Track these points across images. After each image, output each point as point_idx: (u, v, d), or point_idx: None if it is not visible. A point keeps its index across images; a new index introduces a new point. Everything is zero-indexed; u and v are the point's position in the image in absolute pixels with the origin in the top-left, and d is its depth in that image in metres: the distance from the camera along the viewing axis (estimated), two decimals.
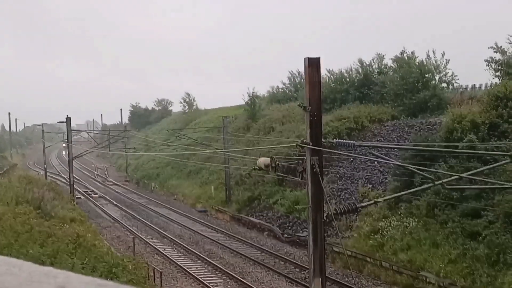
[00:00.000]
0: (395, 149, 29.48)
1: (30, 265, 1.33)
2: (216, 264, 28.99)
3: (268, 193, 38.69)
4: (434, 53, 37.87)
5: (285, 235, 33.76)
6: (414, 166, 19.69)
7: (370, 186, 31.50)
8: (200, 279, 26.41)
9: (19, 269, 1.30)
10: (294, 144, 12.87)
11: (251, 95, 52.34)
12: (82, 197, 55.50)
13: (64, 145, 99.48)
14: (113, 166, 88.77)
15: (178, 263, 29.49)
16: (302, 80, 44.73)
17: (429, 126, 32.13)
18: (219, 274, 27.60)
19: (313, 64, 11.95)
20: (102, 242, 28.90)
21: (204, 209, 46.16)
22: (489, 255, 21.47)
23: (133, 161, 75.05)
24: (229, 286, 25.76)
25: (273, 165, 13.86)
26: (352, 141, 14.32)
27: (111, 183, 68.82)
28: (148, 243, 34.52)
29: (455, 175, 14.92)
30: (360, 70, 44.51)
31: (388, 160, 18.49)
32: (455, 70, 38.70)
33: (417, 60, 38.38)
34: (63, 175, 71.68)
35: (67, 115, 46.89)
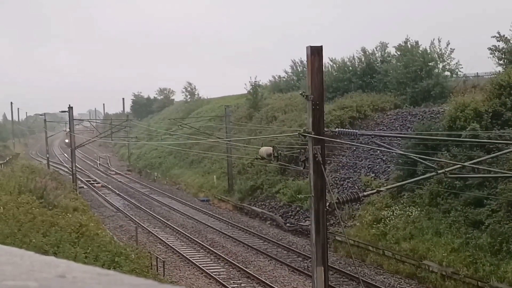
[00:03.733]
0: (398, 138, 29.46)
1: (32, 254, 1.32)
2: (218, 253, 29.06)
3: (271, 182, 38.71)
4: (439, 41, 37.76)
5: (288, 224, 33.81)
6: (417, 155, 19.67)
7: (373, 175, 31.49)
8: (203, 268, 26.49)
9: (20, 259, 1.28)
10: (296, 133, 12.85)
11: (253, 84, 52.25)
12: (85, 186, 55.62)
13: (66, 140, 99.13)
14: (115, 156, 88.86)
15: (181, 252, 29.57)
16: (305, 69, 44.66)
17: (432, 115, 32.06)
18: (221, 263, 27.67)
19: (315, 52, 11.89)
20: (104, 232, 28.96)
21: (206, 198, 46.22)
22: (492, 244, 21.47)
23: (136, 151, 75.13)
24: (231, 275, 25.83)
25: (275, 154, 13.85)
26: (354, 130, 14.32)
27: (114, 173, 68.90)
28: (151, 232, 34.61)
29: (458, 164, 14.90)
30: (363, 59, 44.42)
31: (390, 149, 18.48)
32: (459, 58, 38.64)
33: (421, 49, 38.24)
34: (66, 165, 71.81)
35: (69, 105, 46.84)
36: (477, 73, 38.42)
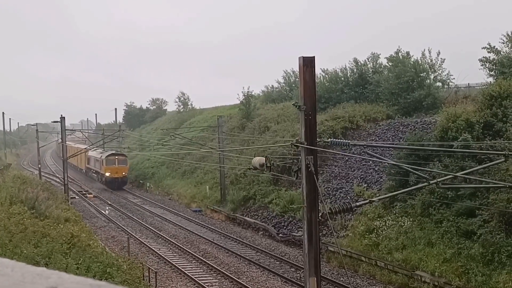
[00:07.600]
0: (390, 148, 29.53)
1: (23, 265, 1.32)
2: (211, 264, 28.96)
3: (263, 193, 38.66)
4: (429, 52, 37.98)
5: (280, 235, 33.76)
6: (409, 166, 19.72)
7: (365, 185, 31.53)
8: (195, 279, 26.37)
9: (11, 270, 1.28)
10: (289, 144, 12.87)
11: (246, 94, 52.30)
12: (77, 197, 55.36)
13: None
14: None
15: (173, 263, 29.44)
16: (297, 79, 44.75)
17: (423, 125, 32.19)
18: (214, 274, 27.56)
19: (307, 63, 11.94)
20: (96, 242, 28.81)
21: (199, 208, 46.11)
22: (483, 254, 21.52)
23: (128, 161, 74.83)
24: (224, 286, 25.73)
25: (268, 164, 13.85)
26: (347, 141, 14.33)
27: None
28: (143, 243, 34.45)
29: (450, 174, 14.97)
30: (355, 70, 44.57)
31: (383, 159, 18.51)
32: (450, 69, 38.87)
33: (412, 59, 38.44)
34: (58, 175, 71.47)
35: (61, 115, 46.72)
36: (468, 83, 38.65)
